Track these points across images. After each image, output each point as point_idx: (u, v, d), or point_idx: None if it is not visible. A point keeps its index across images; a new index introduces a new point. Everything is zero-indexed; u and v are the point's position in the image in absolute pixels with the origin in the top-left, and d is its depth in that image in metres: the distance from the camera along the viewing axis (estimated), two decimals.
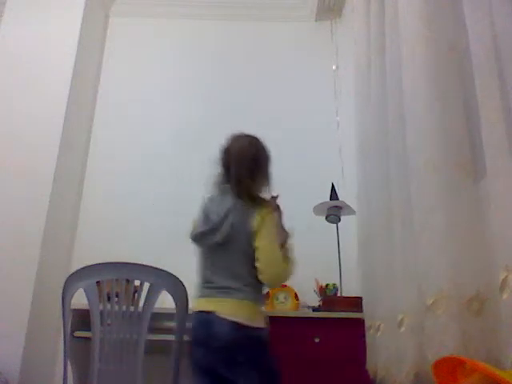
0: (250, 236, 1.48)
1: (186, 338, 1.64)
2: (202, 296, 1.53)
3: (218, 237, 1.51)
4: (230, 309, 1.44)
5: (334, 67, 3.02)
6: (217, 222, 1.53)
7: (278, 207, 1.61)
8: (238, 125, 2.86)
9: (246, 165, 1.56)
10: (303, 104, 2.98)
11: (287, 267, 1.51)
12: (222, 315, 1.43)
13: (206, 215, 1.60)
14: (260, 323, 1.47)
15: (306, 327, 1.93)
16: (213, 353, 1.43)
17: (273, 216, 1.52)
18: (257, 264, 1.47)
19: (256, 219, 1.48)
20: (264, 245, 1.47)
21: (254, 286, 1.49)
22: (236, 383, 1.43)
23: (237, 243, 1.50)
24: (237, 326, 1.41)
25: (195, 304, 1.54)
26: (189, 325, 1.57)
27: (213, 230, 1.53)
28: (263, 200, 1.54)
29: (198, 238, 1.59)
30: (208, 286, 1.53)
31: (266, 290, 1.61)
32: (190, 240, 1.61)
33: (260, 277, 1.47)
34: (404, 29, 1.57)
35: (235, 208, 1.52)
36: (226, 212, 1.52)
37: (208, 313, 1.45)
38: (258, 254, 1.47)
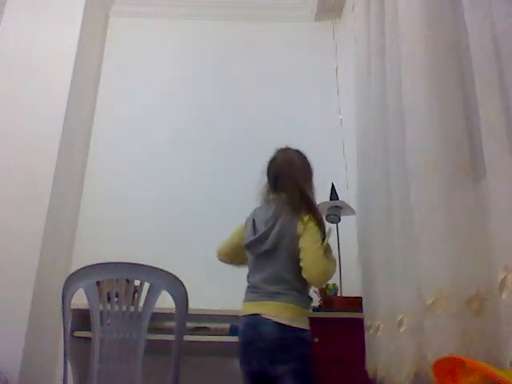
0: (296, 241, 1.58)
1: (185, 337, 1.64)
2: (248, 300, 1.63)
3: (266, 245, 1.61)
4: (274, 310, 1.53)
5: (334, 67, 3.02)
6: (264, 232, 1.63)
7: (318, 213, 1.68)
8: (238, 125, 2.90)
9: (296, 174, 1.70)
10: (303, 104, 2.98)
11: (329, 265, 1.59)
12: (267, 316, 1.52)
13: (253, 225, 1.71)
14: (303, 325, 1.55)
15: None
16: (260, 352, 1.52)
17: (315, 219, 1.60)
18: (301, 264, 1.56)
19: (300, 224, 1.59)
20: (307, 245, 1.56)
21: (298, 290, 1.58)
22: (282, 382, 1.50)
23: (283, 249, 1.60)
24: (280, 327, 1.50)
25: (242, 308, 1.63)
26: (189, 325, 1.58)
27: (261, 239, 1.63)
28: (308, 206, 1.63)
29: (248, 247, 1.70)
30: (255, 290, 1.62)
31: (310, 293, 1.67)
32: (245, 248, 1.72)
33: (304, 276, 1.55)
34: (404, 29, 1.57)
35: (281, 216, 1.62)
36: (273, 221, 1.63)
37: (254, 315, 1.55)
38: (302, 255, 1.56)
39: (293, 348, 1.50)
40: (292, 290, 1.57)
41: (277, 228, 1.61)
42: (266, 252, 1.61)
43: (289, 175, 1.69)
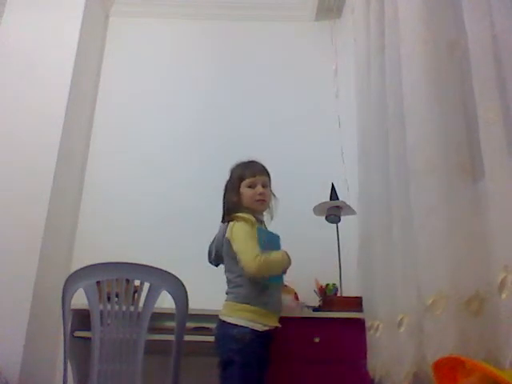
0: (229, 246, 1.72)
1: (185, 337, 1.65)
2: None
3: (212, 257, 1.85)
4: (222, 309, 1.71)
5: (333, 67, 3.02)
6: (210, 245, 1.88)
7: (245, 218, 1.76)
8: (238, 125, 2.90)
9: (226, 191, 1.87)
10: (303, 104, 2.98)
11: (263, 261, 1.63)
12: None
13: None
14: (236, 320, 1.63)
15: (306, 327, 1.93)
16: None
17: (239, 224, 1.72)
18: (240, 265, 1.67)
19: (228, 231, 1.74)
20: (238, 247, 1.69)
21: (241, 287, 1.68)
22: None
23: (225, 256, 1.77)
24: (219, 323, 1.68)
25: None
26: (189, 325, 1.59)
27: (210, 254, 1.87)
28: (235, 215, 1.76)
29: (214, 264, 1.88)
30: None
31: (271, 296, 1.70)
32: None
33: (245, 274, 1.65)
34: (404, 29, 1.57)
35: (219, 230, 1.83)
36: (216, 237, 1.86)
37: None
38: (238, 257, 1.68)
39: (220, 342, 1.65)
40: (234, 287, 1.71)
41: (215, 242, 1.84)
42: (219, 263, 1.84)
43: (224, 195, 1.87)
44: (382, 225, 1.71)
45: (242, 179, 1.82)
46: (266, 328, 1.65)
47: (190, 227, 2.65)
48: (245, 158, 1.87)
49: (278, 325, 1.72)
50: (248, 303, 1.66)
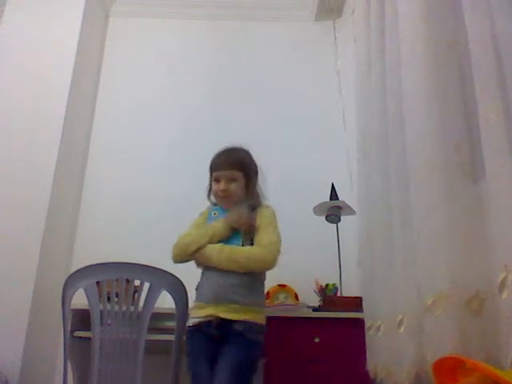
0: None
1: (185, 337, 1.65)
2: None
3: None
4: None
5: (334, 67, 3.02)
6: None
7: None
8: (238, 125, 2.90)
9: None
10: (303, 104, 2.98)
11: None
12: None
13: None
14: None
15: (306, 327, 1.93)
16: None
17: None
18: None
19: None
20: None
21: None
22: None
23: None
24: None
25: None
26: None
27: None
28: None
29: None
30: None
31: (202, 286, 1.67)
32: None
33: None
34: (404, 29, 1.57)
35: None
36: None
37: None
38: None
39: None
40: None
41: None
42: None
43: None
44: (382, 225, 1.71)
45: (211, 171, 1.77)
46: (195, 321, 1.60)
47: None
48: (224, 146, 1.79)
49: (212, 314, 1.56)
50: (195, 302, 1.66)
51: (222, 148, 1.78)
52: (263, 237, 1.63)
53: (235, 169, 1.70)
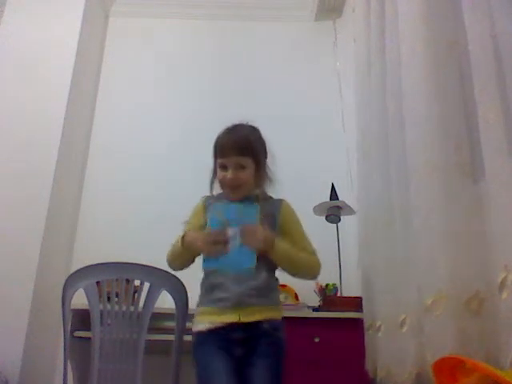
0: None
1: (185, 337, 1.64)
2: None
3: None
4: None
5: (334, 67, 3.02)
6: None
7: None
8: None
9: None
10: (303, 104, 2.98)
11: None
12: None
13: None
14: (194, 327, 1.44)
15: (306, 327, 1.93)
16: None
17: None
18: None
19: None
20: None
21: None
22: None
23: None
24: None
25: None
26: (189, 325, 1.57)
27: None
28: None
29: None
30: None
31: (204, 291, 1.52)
32: None
33: None
34: (404, 29, 1.57)
35: None
36: None
37: None
38: None
39: None
40: None
41: None
42: None
43: None
44: (382, 225, 1.71)
45: (215, 156, 1.51)
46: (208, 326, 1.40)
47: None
48: (231, 122, 1.60)
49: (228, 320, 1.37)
50: (199, 307, 1.47)
51: (228, 126, 1.59)
52: (303, 242, 1.53)
53: (244, 154, 1.45)
